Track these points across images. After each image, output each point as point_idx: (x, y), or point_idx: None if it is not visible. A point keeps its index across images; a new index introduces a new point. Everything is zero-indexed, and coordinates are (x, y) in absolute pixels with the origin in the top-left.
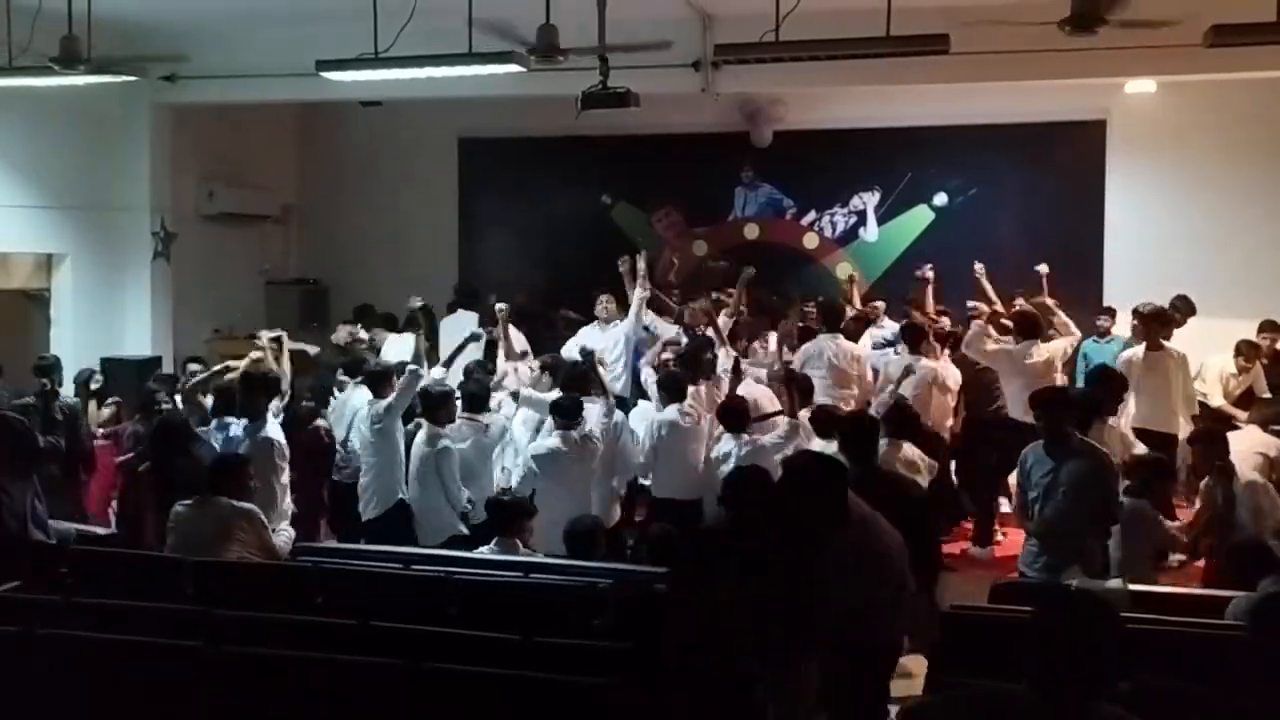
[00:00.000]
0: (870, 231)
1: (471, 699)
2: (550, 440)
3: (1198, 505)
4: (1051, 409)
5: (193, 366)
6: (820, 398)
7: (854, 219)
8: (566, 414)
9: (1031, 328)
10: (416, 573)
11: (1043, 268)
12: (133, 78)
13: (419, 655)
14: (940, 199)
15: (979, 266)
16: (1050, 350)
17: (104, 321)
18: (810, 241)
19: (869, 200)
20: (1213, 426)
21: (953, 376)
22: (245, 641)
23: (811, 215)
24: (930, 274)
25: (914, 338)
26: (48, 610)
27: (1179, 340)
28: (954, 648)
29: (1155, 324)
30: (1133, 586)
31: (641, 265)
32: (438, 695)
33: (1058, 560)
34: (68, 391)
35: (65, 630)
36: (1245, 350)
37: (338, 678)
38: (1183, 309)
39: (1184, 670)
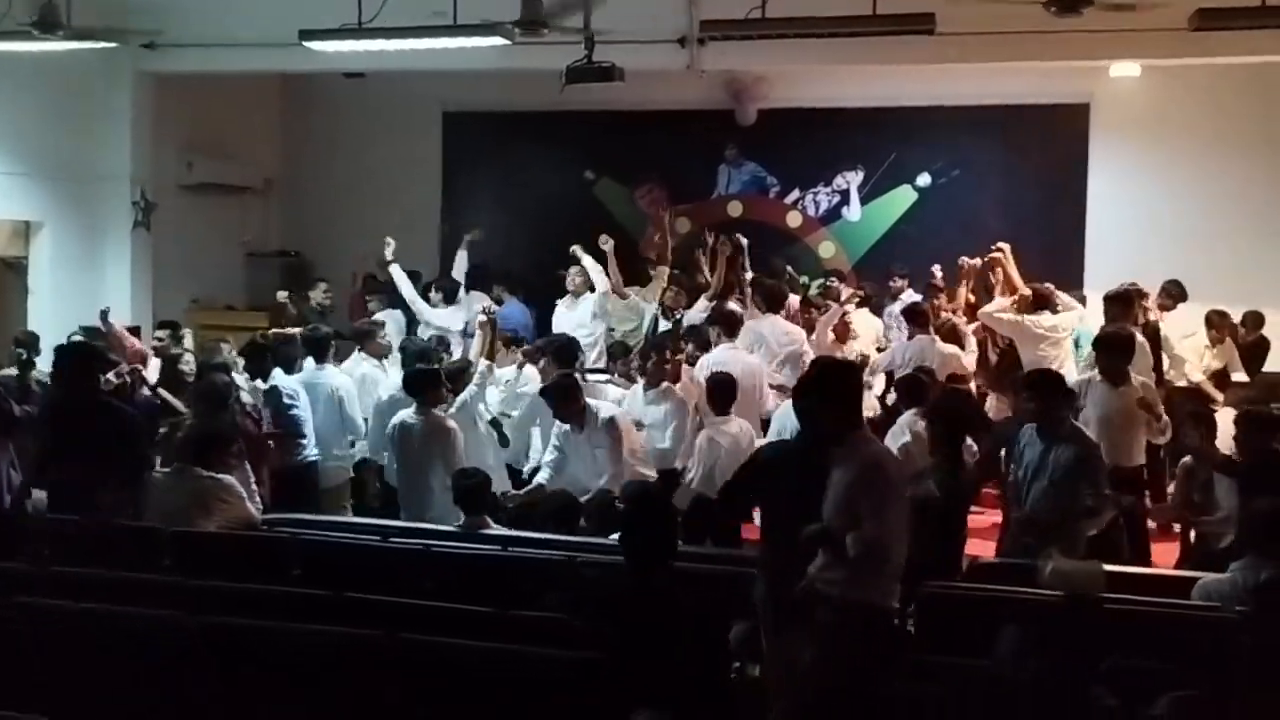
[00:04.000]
0: (853, 211)
1: (447, 671)
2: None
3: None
4: (1047, 393)
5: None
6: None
7: (837, 198)
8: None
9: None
10: (394, 545)
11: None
12: (113, 45)
13: (395, 627)
14: (923, 179)
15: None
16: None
17: (83, 291)
18: (793, 220)
19: (852, 180)
20: (1201, 408)
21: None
22: (222, 611)
23: (795, 194)
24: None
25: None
26: (24, 580)
27: (1171, 325)
28: (930, 626)
29: (1115, 306)
30: (1107, 567)
31: (608, 247)
32: (414, 667)
33: (1042, 544)
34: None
35: (42, 599)
36: (1216, 321)
37: (314, 648)
38: (1174, 293)
39: (1155, 650)
